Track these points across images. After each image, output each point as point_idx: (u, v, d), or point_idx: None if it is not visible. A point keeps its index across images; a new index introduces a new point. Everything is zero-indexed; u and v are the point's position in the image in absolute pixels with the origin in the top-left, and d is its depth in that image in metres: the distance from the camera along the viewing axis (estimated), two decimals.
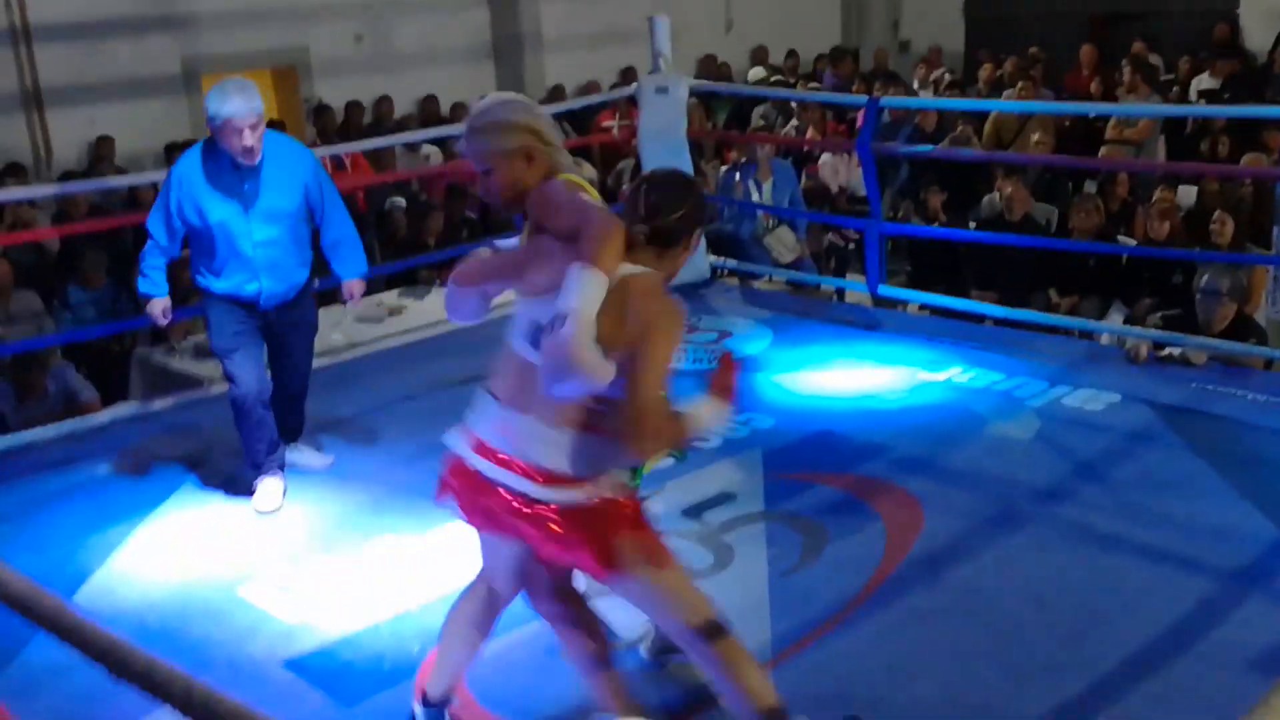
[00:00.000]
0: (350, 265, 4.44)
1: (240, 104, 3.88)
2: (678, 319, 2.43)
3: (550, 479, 2.47)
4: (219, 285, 4.15)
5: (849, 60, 12.56)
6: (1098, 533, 3.84)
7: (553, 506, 2.47)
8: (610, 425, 2.42)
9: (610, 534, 2.48)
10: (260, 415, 4.23)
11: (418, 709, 2.92)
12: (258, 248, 4.09)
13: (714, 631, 2.54)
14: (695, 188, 2.63)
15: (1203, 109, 8.97)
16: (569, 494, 2.47)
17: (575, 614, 2.76)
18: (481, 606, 2.82)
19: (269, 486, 4.30)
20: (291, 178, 4.14)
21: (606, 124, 9.62)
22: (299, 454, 4.60)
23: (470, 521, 2.66)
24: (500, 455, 2.51)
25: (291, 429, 4.55)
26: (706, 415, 2.50)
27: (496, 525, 2.59)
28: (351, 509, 4.27)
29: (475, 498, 2.57)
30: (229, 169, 4.02)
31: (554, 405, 2.43)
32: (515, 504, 2.49)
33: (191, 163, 4.06)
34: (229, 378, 4.23)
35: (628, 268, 2.43)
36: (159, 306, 4.28)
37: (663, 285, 2.48)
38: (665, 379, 2.40)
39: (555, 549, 2.53)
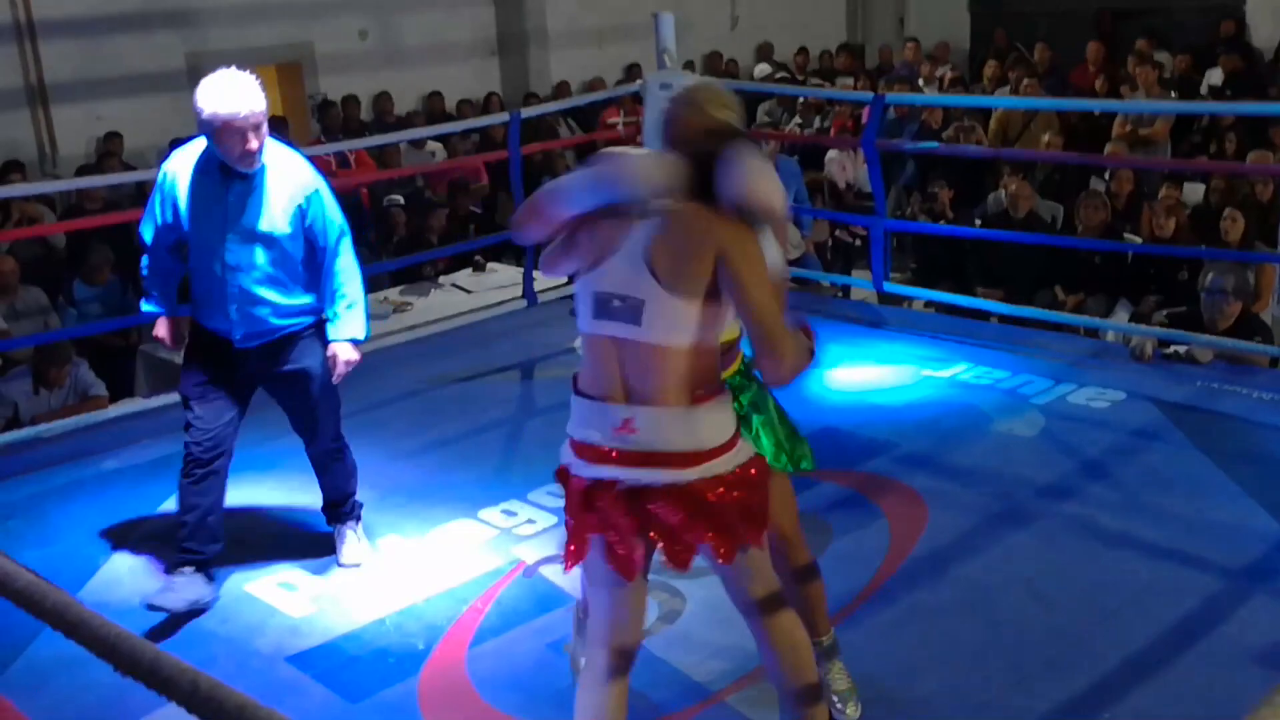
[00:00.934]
0: (343, 324, 3.59)
1: (242, 101, 3.30)
2: (751, 237, 2.33)
3: (690, 460, 2.32)
4: (196, 309, 3.58)
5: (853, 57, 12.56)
6: (1102, 530, 3.83)
7: (697, 485, 2.32)
8: (716, 385, 2.38)
9: (756, 506, 2.40)
10: (199, 476, 3.54)
11: None
12: (229, 272, 3.45)
13: (774, 604, 2.52)
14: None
15: (1209, 106, 8.96)
16: (712, 467, 2.34)
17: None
18: (616, 693, 2.50)
19: (176, 583, 3.51)
20: (286, 196, 3.47)
21: (612, 120, 9.61)
22: (338, 539, 3.88)
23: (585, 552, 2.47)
24: (622, 453, 2.34)
25: (331, 501, 3.88)
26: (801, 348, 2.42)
27: (620, 545, 2.40)
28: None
29: (588, 516, 2.41)
30: (217, 174, 3.44)
31: (667, 382, 2.31)
32: (651, 502, 2.34)
33: (181, 162, 3.51)
34: (186, 425, 3.57)
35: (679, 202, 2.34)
36: (162, 327, 3.72)
37: (720, 218, 2.33)
38: (773, 292, 2.34)
39: (702, 535, 2.37)
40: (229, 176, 3.43)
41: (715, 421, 2.38)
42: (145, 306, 3.74)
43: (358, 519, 3.91)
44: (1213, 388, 4.96)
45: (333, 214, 3.58)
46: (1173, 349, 5.31)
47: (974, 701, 3.01)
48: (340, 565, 3.83)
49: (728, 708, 3.02)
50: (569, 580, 3.61)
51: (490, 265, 7.44)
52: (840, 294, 7.46)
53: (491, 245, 7.39)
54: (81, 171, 8.61)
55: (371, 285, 7.11)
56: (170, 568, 3.61)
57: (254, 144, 3.35)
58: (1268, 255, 6.07)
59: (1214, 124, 8.73)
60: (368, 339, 3.71)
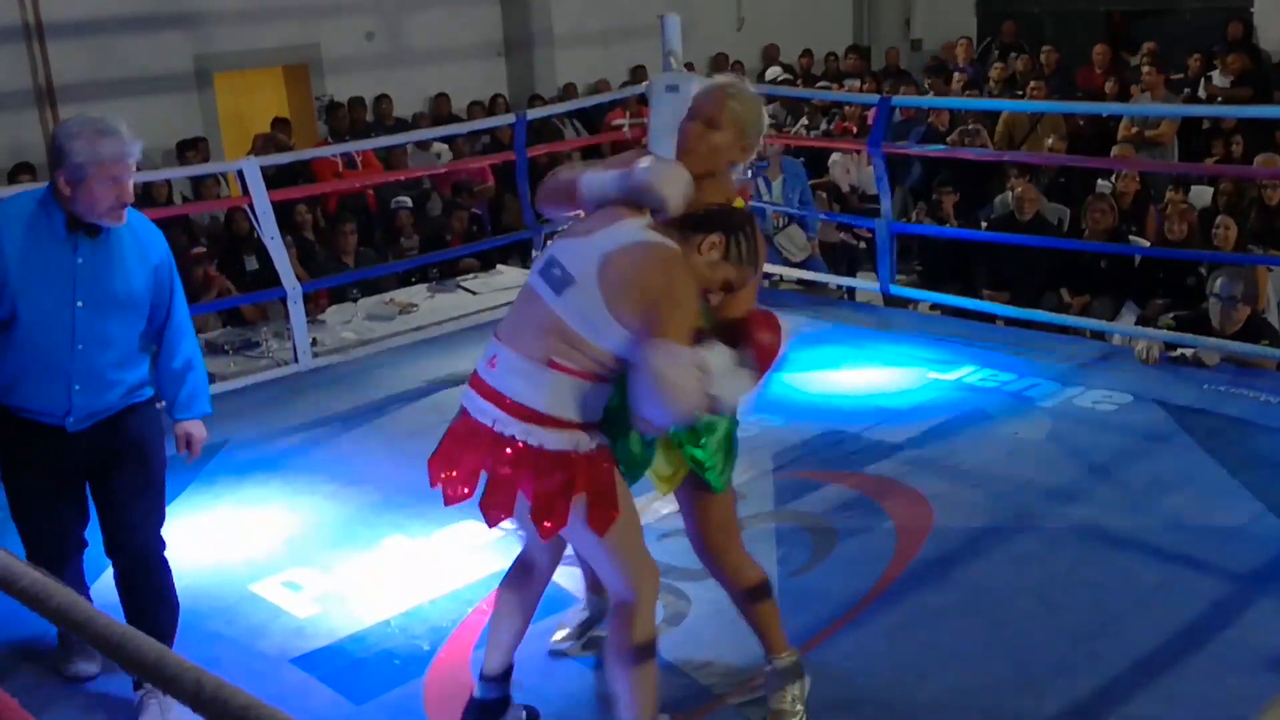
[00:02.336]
0: (193, 401, 3.16)
1: (121, 144, 2.82)
2: (692, 294, 2.49)
3: (527, 416, 2.49)
4: (12, 395, 2.93)
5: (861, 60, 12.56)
6: (1109, 533, 3.82)
7: (519, 444, 2.49)
8: (604, 374, 2.52)
9: (566, 489, 2.49)
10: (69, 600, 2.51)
11: (479, 687, 2.92)
12: (78, 348, 2.89)
13: (643, 634, 2.62)
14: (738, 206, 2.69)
15: (1217, 109, 8.94)
16: (542, 435, 2.49)
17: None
18: (522, 580, 2.88)
19: None
20: (143, 257, 2.98)
21: (617, 122, 9.61)
22: (140, 711, 3.06)
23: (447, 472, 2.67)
24: (488, 387, 2.56)
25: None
26: (737, 378, 2.50)
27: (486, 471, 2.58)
28: (362, 507, 4.28)
29: (465, 440, 2.60)
30: (62, 231, 2.86)
31: (542, 344, 2.50)
32: (492, 440, 2.52)
33: (8, 217, 2.87)
34: (25, 545, 3.02)
35: (650, 233, 2.51)
36: None
37: (681, 261, 2.50)
38: (686, 340, 2.44)
39: (506, 489, 2.53)
40: (75, 233, 2.87)
41: (563, 394, 2.50)
42: None
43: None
44: (1220, 390, 4.95)
45: (177, 276, 3.10)
46: (1179, 352, 5.30)
47: (980, 704, 3.00)
48: None
49: (732, 711, 3.02)
50: (573, 582, 3.61)
51: (498, 266, 7.46)
52: (846, 296, 7.45)
53: (498, 247, 7.41)
54: None
55: (379, 286, 7.19)
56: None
57: (129, 195, 2.87)
58: (1271, 259, 6.05)
59: (1217, 126, 8.72)
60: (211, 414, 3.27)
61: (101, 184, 2.80)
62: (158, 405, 3.16)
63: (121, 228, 2.92)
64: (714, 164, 2.69)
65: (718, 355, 2.50)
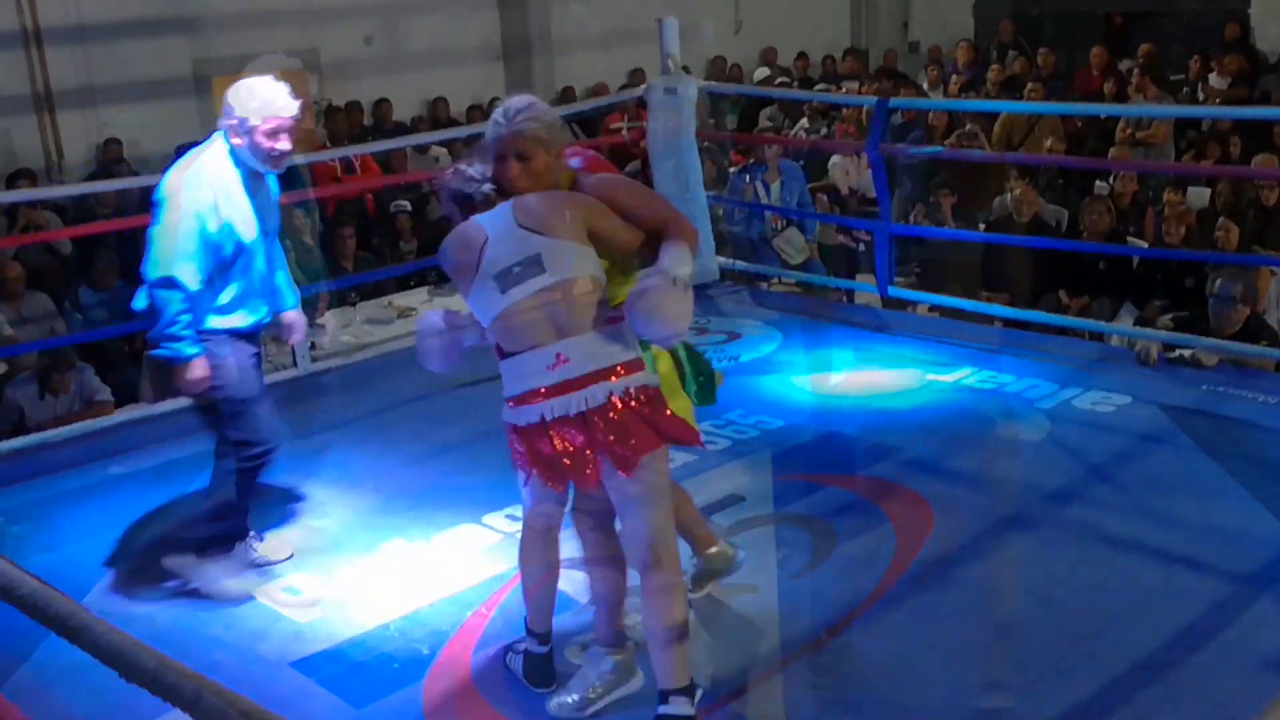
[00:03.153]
0: (294, 294, 3.95)
1: (285, 100, 3.47)
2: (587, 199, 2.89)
3: (625, 369, 2.77)
4: (236, 319, 3.60)
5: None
6: (1108, 535, 3.83)
7: (636, 390, 2.75)
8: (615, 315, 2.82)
9: (663, 410, 2.81)
10: (261, 471, 3.74)
11: (531, 645, 3.13)
12: (266, 267, 3.68)
13: (670, 559, 2.85)
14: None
15: (1211, 110, 8.95)
16: (638, 377, 2.79)
17: (610, 548, 3.03)
18: (544, 540, 3.10)
19: (275, 540, 3.96)
20: (275, 192, 3.75)
21: (615, 125, 9.62)
22: (256, 549, 3.95)
23: (540, 474, 2.84)
24: (572, 380, 2.73)
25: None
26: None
27: (569, 460, 2.77)
28: (361, 511, 4.28)
29: (539, 446, 2.79)
30: (247, 180, 3.53)
31: (591, 316, 2.77)
32: (598, 414, 2.72)
33: (218, 178, 3.48)
34: (249, 432, 3.63)
35: (539, 195, 2.83)
36: (203, 369, 3.51)
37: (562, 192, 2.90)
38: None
39: (638, 435, 2.74)
40: (254, 180, 3.56)
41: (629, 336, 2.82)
42: (190, 350, 3.46)
43: None
44: (1219, 392, 4.95)
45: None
46: (1178, 353, 5.30)
47: (980, 706, 3.00)
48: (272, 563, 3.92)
49: (731, 712, 3.02)
50: (573, 586, 3.61)
51: None
52: (845, 298, 7.46)
53: None
54: (90, 179, 8.64)
55: (377, 290, 7.18)
56: (221, 552, 3.77)
57: (290, 142, 3.52)
58: (1270, 259, 6.05)
59: (1215, 127, 8.73)
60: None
61: (268, 137, 3.45)
62: None
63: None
64: (551, 178, 2.93)
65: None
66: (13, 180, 8.35)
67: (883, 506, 4.06)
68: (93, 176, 8.88)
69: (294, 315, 3.94)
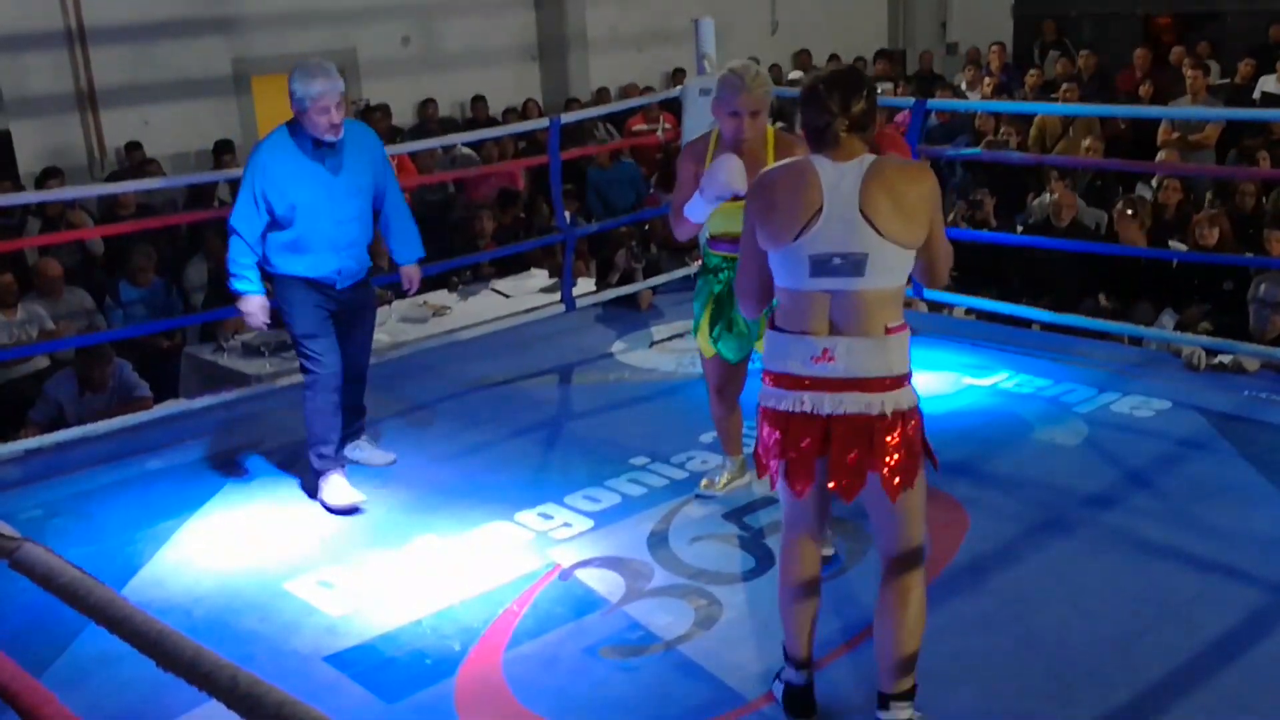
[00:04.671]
0: (409, 248, 4.53)
1: (327, 83, 4.01)
2: (936, 187, 2.70)
3: (893, 384, 2.65)
4: (299, 268, 4.18)
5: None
6: (1146, 541, 3.78)
7: (898, 412, 2.64)
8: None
9: (920, 439, 2.72)
10: (336, 401, 4.27)
11: (789, 673, 2.92)
12: (340, 225, 4.17)
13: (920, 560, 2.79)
14: (864, 75, 2.78)
15: (1254, 113, 8.82)
16: (904, 397, 2.68)
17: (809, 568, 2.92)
18: (797, 553, 2.90)
19: (340, 483, 4.28)
20: (364, 155, 4.25)
21: (637, 128, 9.62)
22: (361, 451, 4.62)
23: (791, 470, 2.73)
24: (838, 380, 2.63)
25: (354, 415, 4.56)
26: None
27: (838, 471, 2.67)
28: (394, 507, 4.30)
29: (802, 438, 2.67)
30: (311, 149, 4.11)
31: (877, 317, 2.63)
32: (871, 424, 2.62)
33: (273, 148, 4.11)
34: (310, 359, 4.22)
35: (864, 158, 2.63)
36: (257, 303, 4.22)
37: (912, 166, 2.78)
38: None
39: (893, 461, 2.63)
40: (320, 149, 4.11)
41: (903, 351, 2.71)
42: (244, 286, 4.19)
43: (364, 432, 4.69)
44: (1260, 398, 4.88)
45: (388, 163, 4.43)
46: (1219, 359, 5.23)
47: (1013, 712, 2.98)
48: (379, 466, 4.58)
49: (763, 715, 3.01)
50: (604, 584, 3.62)
51: (534, 269, 7.49)
52: None
53: (530, 249, 7.42)
54: (113, 177, 8.73)
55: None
56: (318, 477, 4.30)
57: (337, 117, 4.04)
58: None
59: (1265, 131, 8.60)
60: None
61: (317, 114, 4.02)
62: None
63: (346, 137, 4.13)
64: (762, 132, 3.63)
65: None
66: (42, 180, 8.45)
67: None
68: (114, 177, 8.98)
69: (407, 269, 4.56)
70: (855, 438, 2.63)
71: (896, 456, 2.64)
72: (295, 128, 4.11)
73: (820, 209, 2.60)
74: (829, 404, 2.63)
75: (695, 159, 3.77)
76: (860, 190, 2.59)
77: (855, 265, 2.59)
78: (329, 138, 4.07)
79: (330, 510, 4.24)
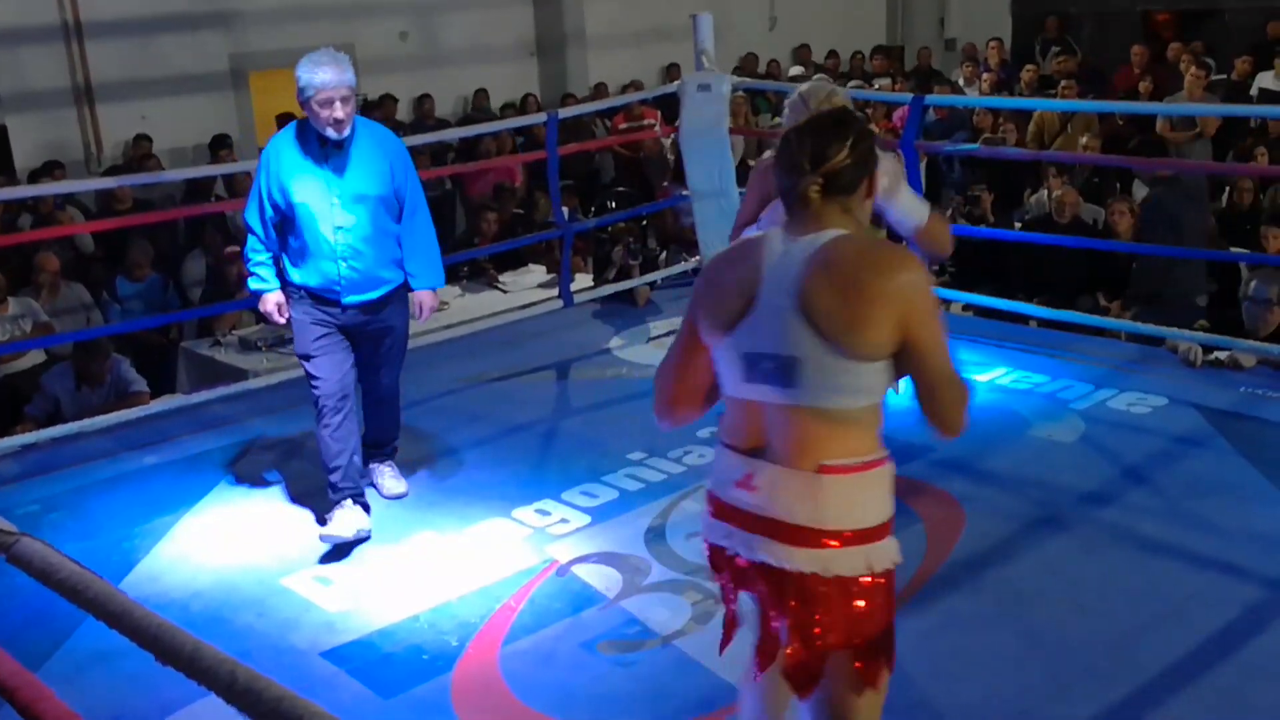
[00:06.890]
0: (426, 274, 4.06)
1: (333, 74, 3.71)
2: (926, 285, 2.06)
3: (829, 540, 2.04)
4: (299, 276, 3.91)
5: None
6: (1143, 538, 3.78)
7: (841, 580, 2.04)
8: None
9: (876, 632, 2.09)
10: (339, 423, 3.91)
11: None
12: (339, 232, 3.83)
13: None
14: (853, 119, 2.18)
15: (1248, 109, 8.82)
16: (846, 560, 2.05)
17: None
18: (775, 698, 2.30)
19: (340, 516, 3.90)
20: (379, 161, 3.89)
21: (621, 126, 9.61)
22: (377, 476, 4.31)
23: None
24: (754, 516, 2.06)
25: (377, 441, 4.30)
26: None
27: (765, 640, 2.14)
28: (390, 503, 4.30)
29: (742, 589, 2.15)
30: (316, 147, 3.82)
31: (811, 447, 2.04)
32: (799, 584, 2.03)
33: (279, 143, 3.88)
34: (309, 379, 3.97)
35: (825, 233, 2.04)
36: (272, 301, 3.99)
37: (888, 250, 2.11)
38: (946, 350, 2.11)
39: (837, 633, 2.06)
40: (325, 147, 3.82)
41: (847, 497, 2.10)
42: (256, 285, 4.01)
43: (393, 458, 4.37)
44: (1256, 394, 4.88)
45: (414, 176, 4.01)
46: (1214, 355, 5.24)
47: (1012, 709, 2.98)
48: (384, 498, 4.26)
49: None
50: (602, 580, 3.62)
51: (531, 265, 7.48)
52: None
53: (529, 245, 7.42)
54: (111, 172, 8.71)
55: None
56: (331, 506, 3.97)
57: (342, 112, 3.73)
58: None
59: (1264, 127, 8.61)
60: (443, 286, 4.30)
61: (319, 106, 3.71)
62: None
63: (361, 137, 3.85)
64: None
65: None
66: (37, 176, 8.42)
67: (914, 506, 4.03)
68: (113, 171, 8.95)
69: (421, 295, 4.10)
70: (778, 596, 2.05)
71: (834, 637, 2.04)
72: (305, 123, 3.84)
73: (756, 296, 2.05)
74: (742, 545, 2.07)
75: (768, 183, 3.40)
76: (804, 275, 2.00)
77: (784, 372, 2.01)
78: (332, 135, 3.76)
79: (326, 541, 3.90)
